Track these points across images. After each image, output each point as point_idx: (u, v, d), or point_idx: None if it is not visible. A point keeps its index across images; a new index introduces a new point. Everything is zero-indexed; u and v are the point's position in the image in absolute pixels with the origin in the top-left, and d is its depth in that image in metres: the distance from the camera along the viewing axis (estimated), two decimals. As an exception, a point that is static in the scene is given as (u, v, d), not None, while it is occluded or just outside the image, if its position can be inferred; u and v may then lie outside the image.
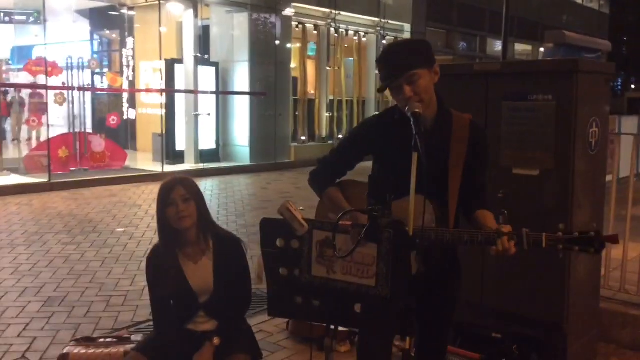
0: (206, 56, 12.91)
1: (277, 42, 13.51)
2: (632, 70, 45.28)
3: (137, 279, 5.27)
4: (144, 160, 12.52)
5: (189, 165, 12.25)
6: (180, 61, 12.67)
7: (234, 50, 13.24)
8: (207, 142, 12.91)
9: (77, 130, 11.04)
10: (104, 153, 11.19)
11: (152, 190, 10.08)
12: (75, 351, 2.65)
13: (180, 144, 12.59)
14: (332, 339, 2.01)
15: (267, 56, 13.30)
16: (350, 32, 15.94)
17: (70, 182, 9.85)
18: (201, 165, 12.16)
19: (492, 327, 3.37)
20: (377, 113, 2.40)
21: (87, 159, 10.97)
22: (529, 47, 22.67)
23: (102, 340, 2.77)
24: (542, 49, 21.66)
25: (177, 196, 2.43)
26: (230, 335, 2.51)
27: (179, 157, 12.48)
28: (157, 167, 11.52)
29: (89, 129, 12.07)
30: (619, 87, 45.64)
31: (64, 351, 2.67)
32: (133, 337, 2.77)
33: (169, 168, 11.53)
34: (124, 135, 13.95)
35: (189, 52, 12.45)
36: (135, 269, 5.57)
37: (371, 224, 1.79)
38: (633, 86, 46.92)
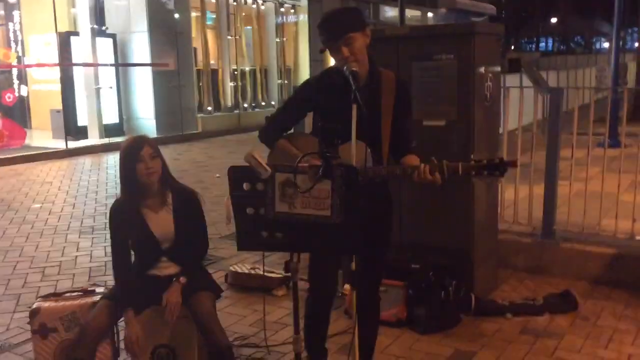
0: (104, 27, 12.55)
1: (176, 12, 13.36)
2: (511, 32, 48.15)
3: (66, 250, 5.36)
4: (43, 138, 12.08)
5: (93, 140, 12.00)
6: (75, 33, 12.25)
7: (130, 21, 12.96)
8: (110, 116, 12.66)
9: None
10: (1, 132, 10.73)
11: (59, 167, 9.88)
12: (46, 305, 2.84)
13: (82, 119, 12.27)
14: (296, 263, 2.36)
15: (166, 26, 13.14)
16: (249, 1, 16.00)
17: (-31, 163, 9.44)
18: (106, 140, 11.94)
19: (411, 260, 3.87)
20: (315, 75, 2.75)
21: (-18, 138, 10.50)
22: (418, 13, 23.67)
23: (67, 294, 2.97)
24: (430, 14, 22.70)
25: (146, 154, 2.66)
26: (192, 277, 2.80)
27: (81, 132, 12.17)
28: (59, 144, 11.21)
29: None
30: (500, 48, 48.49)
31: (34, 307, 2.85)
32: (97, 290, 2.99)
33: (72, 144, 11.26)
34: (18, 113, 13.34)
35: (85, 23, 12.06)
36: (63, 241, 5.63)
37: (326, 164, 2.15)
38: (512, 47, 49.90)
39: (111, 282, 3.27)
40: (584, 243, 4.38)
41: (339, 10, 2.53)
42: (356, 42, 2.41)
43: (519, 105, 4.57)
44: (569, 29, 48.45)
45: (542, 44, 55.06)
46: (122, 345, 2.88)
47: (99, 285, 3.12)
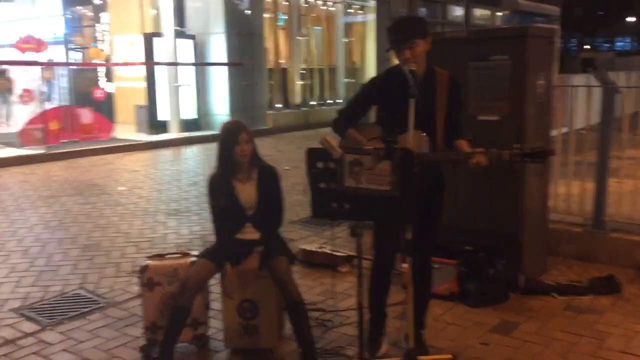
0: (184, 29, 13.42)
1: (250, 14, 14.08)
2: (587, 31, 46.70)
3: (157, 229, 6.03)
4: (127, 131, 13.05)
5: (173, 134, 12.87)
6: (159, 34, 13.17)
7: (209, 23, 13.77)
8: (188, 112, 13.53)
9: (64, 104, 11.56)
10: (92, 125, 11.73)
11: (144, 158, 10.75)
12: (152, 263, 3.42)
13: (162, 115, 13.17)
14: (360, 229, 2.83)
15: (241, 27, 13.88)
16: (319, 2, 16.58)
17: (66, 152, 10.44)
18: (185, 134, 12.79)
19: (464, 242, 4.26)
20: (379, 74, 3.23)
21: (76, 131, 11.50)
22: (487, 12, 23.62)
23: (169, 255, 3.56)
24: (498, 14, 22.63)
25: (243, 139, 3.20)
26: (271, 244, 3.32)
27: (161, 127, 13.07)
28: (144, 137, 12.12)
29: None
30: (574, 48, 47.08)
31: (143, 264, 3.44)
32: (192, 253, 3.56)
33: (155, 137, 12.15)
34: (105, 108, 14.43)
35: (168, 25, 12.94)
36: (152, 220, 6.33)
37: (387, 147, 2.62)
38: (588, 46, 48.37)
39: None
40: (632, 233, 4.64)
41: (408, 18, 3.01)
42: (418, 47, 2.88)
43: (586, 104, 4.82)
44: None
45: (620, 44, 53.15)
46: (211, 297, 3.45)
47: (192, 251, 3.68)
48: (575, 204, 5.01)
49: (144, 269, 3.40)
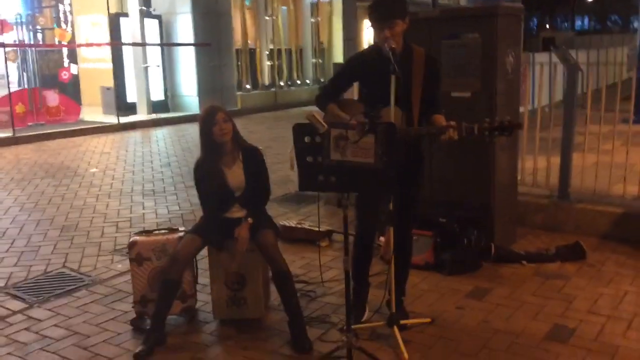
0: (151, 9, 13.26)
1: (217, -7, 13.99)
2: (546, 10, 47.42)
3: (134, 209, 6.07)
4: (94, 113, 12.89)
5: (142, 115, 12.78)
6: (125, 14, 12.98)
7: (175, 2, 13.62)
8: (156, 93, 13.42)
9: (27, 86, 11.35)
10: (58, 107, 11.56)
11: (113, 140, 10.67)
12: (140, 239, 3.50)
13: (131, 96, 13.05)
14: (346, 200, 2.96)
15: (208, 7, 13.77)
16: (286, -18, 16.55)
17: (33, 135, 10.31)
18: (154, 115, 12.71)
19: (439, 214, 4.45)
20: (358, 52, 3.35)
21: (42, 113, 11.32)
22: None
23: (156, 231, 3.64)
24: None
25: (220, 118, 3.29)
26: (258, 218, 3.43)
27: (130, 108, 12.95)
28: (111, 119, 12.01)
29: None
30: (535, 27, 47.82)
31: (131, 240, 3.51)
32: (180, 229, 3.65)
33: (123, 119, 12.04)
34: (71, 90, 14.20)
35: (134, 5, 12.77)
36: (129, 201, 6.36)
37: (371, 121, 2.75)
38: (547, 26, 49.17)
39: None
40: (595, 203, 4.90)
41: None
42: (397, 27, 3.01)
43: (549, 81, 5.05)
44: (606, 7, 47.62)
45: (579, 23, 54.19)
46: (200, 272, 3.57)
47: (179, 227, 3.77)
48: (542, 177, 5.26)
49: (132, 245, 3.48)
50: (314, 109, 3.22)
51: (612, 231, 4.73)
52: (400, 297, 3.44)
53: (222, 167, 3.39)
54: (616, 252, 4.49)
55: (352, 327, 2.98)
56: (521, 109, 5.23)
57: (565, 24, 51.66)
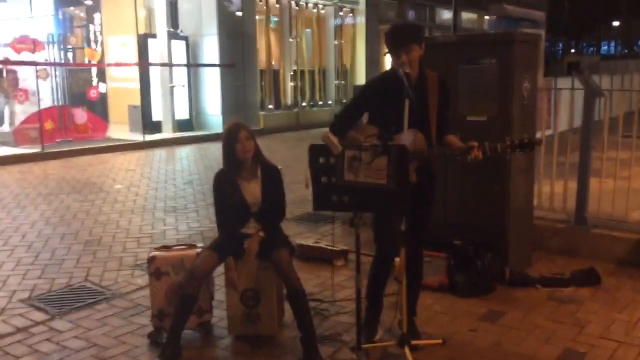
0: (178, 31, 13.58)
1: (242, 15, 14.27)
2: (572, 35, 47.27)
3: (155, 225, 6.21)
4: (120, 131, 13.17)
5: (167, 134, 13.02)
6: (153, 36, 13.31)
7: (202, 24, 13.94)
8: (181, 112, 13.69)
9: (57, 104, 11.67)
10: (86, 125, 11.86)
11: (138, 157, 10.90)
12: (159, 254, 3.61)
13: (156, 115, 13.32)
14: (358, 219, 3.03)
15: (233, 29, 14.06)
16: (310, 5, 16.81)
17: (61, 151, 10.59)
18: (178, 134, 12.95)
19: (453, 236, 4.48)
20: (375, 77, 3.44)
21: (71, 130, 11.62)
22: (474, 16, 23.98)
23: (175, 247, 3.74)
24: (487, 17, 22.98)
25: (243, 136, 3.40)
26: (274, 237, 3.52)
27: (155, 127, 13.22)
28: (137, 137, 12.27)
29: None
30: (560, 52, 47.64)
31: (150, 255, 3.62)
32: (198, 245, 3.75)
33: (149, 137, 12.30)
34: (99, 109, 14.54)
35: (162, 27, 13.09)
36: (151, 217, 6.50)
37: (384, 144, 2.84)
38: (573, 50, 48.94)
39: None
40: (612, 229, 4.89)
41: (406, 24, 3.24)
42: (414, 52, 3.11)
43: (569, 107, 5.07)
44: (632, 32, 47.32)
45: (604, 48, 53.87)
46: (216, 288, 3.65)
47: (198, 243, 3.87)
48: (559, 202, 5.26)
49: (152, 260, 3.58)
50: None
51: (629, 257, 4.71)
52: (412, 316, 3.48)
53: (240, 182, 3.49)
54: (633, 278, 4.47)
55: (364, 346, 3.04)
56: (538, 134, 5.26)
57: (592, 49, 51.37)
